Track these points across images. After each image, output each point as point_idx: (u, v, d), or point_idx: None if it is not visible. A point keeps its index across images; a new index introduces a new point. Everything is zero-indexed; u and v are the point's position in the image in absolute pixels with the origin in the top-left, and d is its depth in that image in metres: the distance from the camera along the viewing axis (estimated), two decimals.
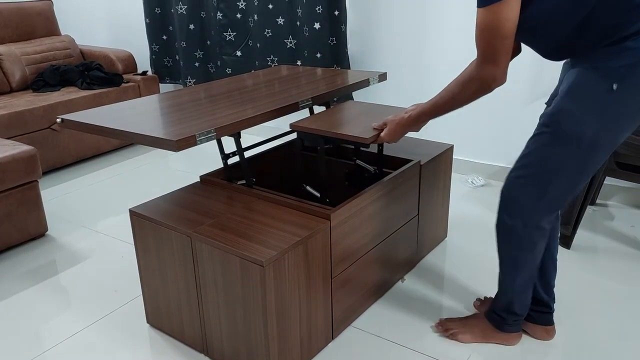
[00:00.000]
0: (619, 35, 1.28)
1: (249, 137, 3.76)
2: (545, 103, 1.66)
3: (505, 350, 1.70)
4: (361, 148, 2.06)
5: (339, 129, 1.71)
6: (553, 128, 1.41)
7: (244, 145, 1.83)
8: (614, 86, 1.30)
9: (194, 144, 1.49)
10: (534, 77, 2.73)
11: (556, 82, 2.40)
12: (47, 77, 3.59)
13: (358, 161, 2.03)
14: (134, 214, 1.72)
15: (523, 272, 1.60)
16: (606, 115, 1.34)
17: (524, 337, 1.75)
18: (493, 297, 1.76)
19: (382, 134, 1.67)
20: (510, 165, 3.01)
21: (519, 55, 2.78)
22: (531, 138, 1.48)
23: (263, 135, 3.79)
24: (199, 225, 1.59)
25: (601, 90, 1.32)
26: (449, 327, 1.76)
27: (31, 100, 3.28)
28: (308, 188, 1.88)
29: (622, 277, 2.07)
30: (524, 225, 1.52)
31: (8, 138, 3.02)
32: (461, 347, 1.72)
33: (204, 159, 3.47)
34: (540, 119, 1.49)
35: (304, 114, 2.34)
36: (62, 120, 1.71)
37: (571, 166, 1.41)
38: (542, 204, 1.48)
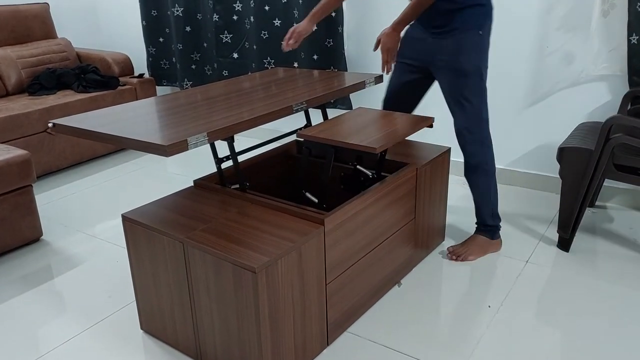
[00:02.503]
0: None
1: (245, 139, 3.74)
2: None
3: (503, 354, 1.68)
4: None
5: (347, 139, 1.70)
6: (468, 73, 2.04)
7: (240, 148, 1.82)
8: (480, 32, 2.01)
9: (186, 149, 1.47)
10: (530, 79, 2.72)
11: (555, 84, 2.47)
12: (43, 81, 3.57)
13: (358, 166, 2.01)
14: (126, 219, 1.70)
15: (495, 179, 2.20)
16: (482, 50, 2.05)
17: (529, 342, 1.73)
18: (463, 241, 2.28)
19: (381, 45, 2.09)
20: (509, 167, 3.00)
21: (517, 58, 2.82)
22: None
23: (260, 137, 3.77)
24: (191, 230, 1.57)
25: (475, 37, 2.02)
26: (457, 253, 2.22)
27: (27, 103, 3.27)
28: (307, 194, 1.86)
29: (622, 279, 2.05)
30: (483, 150, 2.14)
31: (4, 142, 3.01)
32: (460, 351, 1.70)
33: (202, 161, 3.45)
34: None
35: (300, 116, 2.32)
36: (54, 124, 1.69)
37: (484, 91, 2.09)
38: (485, 125, 2.14)
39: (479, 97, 2.08)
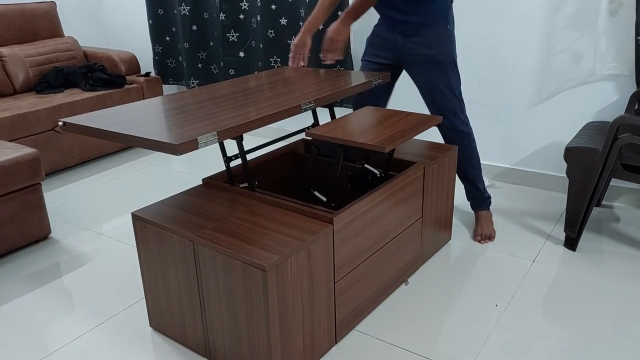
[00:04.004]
0: None
1: (253, 138, 3.75)
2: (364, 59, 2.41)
3: (510, 352, 1.68)
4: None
5: (356, 138, 1.70)
6: (444, 63, 2.21)
7: (247, 147, 1.82)
8: (447, 26, 2.18)
9: (196, 147, 1.48)
10: (537, 79, 2.71)
11: (562, 84, 2.47)
12: (50, 79, 3.59)
13: (366, 165, 2.02)
14: (136, 217, 1.71)
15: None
16: (452, 42, 2.21)
17: (536, 341, 1.74)
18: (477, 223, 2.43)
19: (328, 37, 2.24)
20: (516, 167, 3.00)
21: (524, 57, 2.82)
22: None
23: (267, 136, 3.78)
24: (201, 229, 1.58)
25: (443, 30, 2.18)
26: (485, 236, 2.35)
27: (34, 102, 3.29)
28: (316, 193, 1.87)
29: (628, 279, 2.05)
30: (469, 130, 2.32)
31: (12, 140, 3.03)
32: (467, 350, 1.70)
33: (209, 160, 3.46)
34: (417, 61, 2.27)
35: (306, 114, 2.33)
36: (64, 123, 1.70)
37: (459, 78, 2.26)
38: (464, 105, 2.31)
39: (457, 83, 2.26)
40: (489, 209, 2.43)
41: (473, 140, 2.33)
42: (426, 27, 2.17)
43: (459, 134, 2.29)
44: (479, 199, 2.41)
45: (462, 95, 2.31)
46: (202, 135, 1.51)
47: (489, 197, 2.43)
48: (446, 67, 2.21)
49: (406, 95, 3.15)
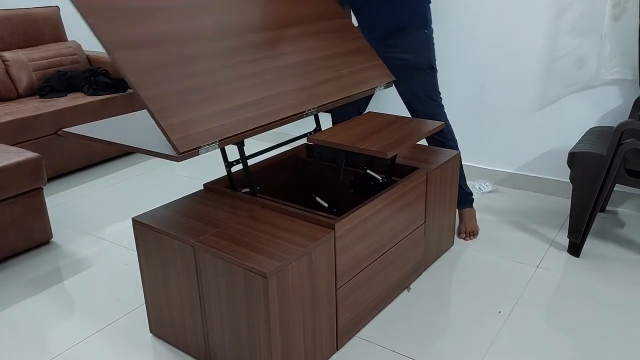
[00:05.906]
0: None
1: (254, 142, 3.75)
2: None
3: (514, 359, 1.67)
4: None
5: (358, 144, 1.70)
6: (422, 70, 2.29)
7: (249, 152, 1.82)
8: (425, 31, 2.26)
9: (197, 154, 1.47)
10: (541, 83, 2.71)
11: (565, 88, 2.45)
12: (53, 83, 3.59)
13: (368, 171, 2.01)
14: (137, 223, 1.70)
15: None
16: (431, 48, 2.29)
17: (539, 348, 1.72)
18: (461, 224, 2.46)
19: None
20: (519, 172, 2.99)
21: (527, 62, 2.80)
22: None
23: (269, 141, 3.78)
24: (202, 234, 1.57)
25: (421, 36, 2.25)
26: (468, 233, 2.40)
27: (37, 106, 3.29)
28: (318, 199, 1.86)
29: (633, 285, 2.03)
30: (447, 129, 2.37)
31: (14, 144, 3.03)
32: (470, 357, 1.69)
33: (211, 164, 3.46)
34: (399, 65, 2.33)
35: (309, 119, 2.32)
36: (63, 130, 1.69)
37: (437, 83, 2.35)
38: (443, 110, 2.39)
39: (435, 89, 2.33)
40: (472, 206, 2.47)
41: (454, 140, 2.38)
42: (405, 32, 2.24)
43: (440, 135, 2.36)
44: (461, 197, 2.43)
45: (442, 97, 2.38)
46: (204, 144, 1.50)
47: (471, 193, 2.46)
48: (423, 73, 2.28)
49: None
